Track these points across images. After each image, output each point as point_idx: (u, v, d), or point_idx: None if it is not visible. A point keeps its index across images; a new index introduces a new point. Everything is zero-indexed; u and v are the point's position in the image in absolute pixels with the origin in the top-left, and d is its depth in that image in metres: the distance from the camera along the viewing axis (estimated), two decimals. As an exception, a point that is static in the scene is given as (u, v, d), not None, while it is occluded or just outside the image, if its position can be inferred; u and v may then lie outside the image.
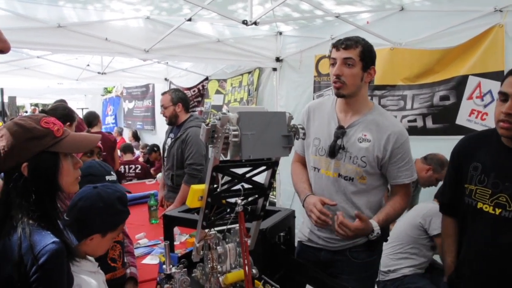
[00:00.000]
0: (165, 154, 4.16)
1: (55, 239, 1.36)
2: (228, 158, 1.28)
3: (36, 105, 22.03)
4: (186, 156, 3.86)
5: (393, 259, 3.20)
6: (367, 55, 2.19)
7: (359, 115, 2.27)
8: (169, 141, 4.12)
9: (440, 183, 3.54)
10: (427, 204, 3.29)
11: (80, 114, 10.34)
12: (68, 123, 3.46)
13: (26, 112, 17.74)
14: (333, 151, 2.24)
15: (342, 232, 2.09)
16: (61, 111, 3.52)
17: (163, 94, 4.15)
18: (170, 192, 4.11)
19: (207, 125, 1.25)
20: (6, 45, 0.99)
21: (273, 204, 5.10)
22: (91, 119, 6.00)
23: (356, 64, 2.17)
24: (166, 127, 4.48)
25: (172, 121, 4.05)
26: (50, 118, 1.51)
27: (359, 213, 2.13)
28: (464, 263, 2.10)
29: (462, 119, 3.54)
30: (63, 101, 7.07)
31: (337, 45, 2.21)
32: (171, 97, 3.98)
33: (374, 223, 2.15)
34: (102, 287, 1.74)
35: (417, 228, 3.15)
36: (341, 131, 2.24)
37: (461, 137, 3.48)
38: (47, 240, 1.34)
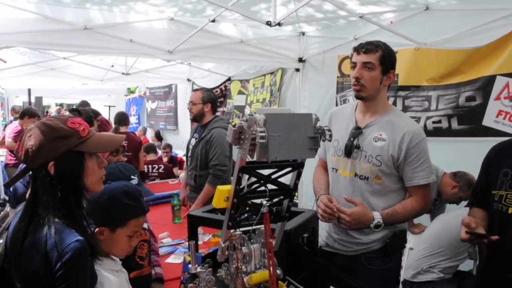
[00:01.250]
0: (189, 154, 4.19)
1: (79, 237, 1.40)
2: (255, 159, 1.29)
3: (61, 105, 22.45)
4: (210, 157, 3.87)
5: (427, 260, 3.14)
6: (387, 59, 2.24)
7: (376, 116, 2.32)
8: (193, 141, 4.14)
9: (463, 203, 3.49)
10: None
11: (107, 111, 10.51)
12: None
13: (53, 112, 18.08)
14: (349, 150, 2.29)
15: (341, 220, 2.17)
16: (86, 114, 3.60)
17: (195, 90, 4.17)
18: (192, 192, 4.13)
19: (234, 126, 1.26)
20: None
21: (295, 205, 5.09)
22: (123, 118, 6.17)
23: (375, 68, 2.22)
24: (189, 127, 4.52)
25: (197, 119, 4.06)
26: (76, 119, 1.56)
27: (349, 197, 2.23)
28: (498, 272, 2.04)
29: (489, 120, 3.47)
30: (86, 102, 7.25)
31: (358, 49, 2.26)
32: (202, 96, 3.99)
33: (376, 213, 2.18)
34: (124, 285, 1.76)
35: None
36: (357, 131, 2.30)
37: (488, 138, 3.43)
38: (71, 238, 1.38)
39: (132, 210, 1.79)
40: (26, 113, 7.14)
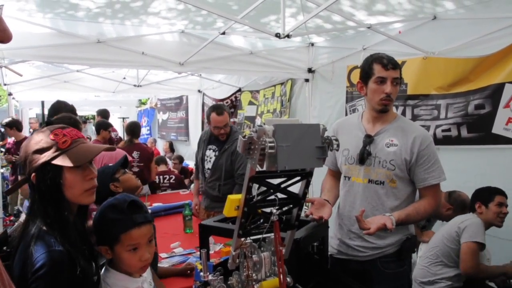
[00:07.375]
0: (209, 166, 4.21)
1: (55, 248, 1.42)
2: (264, 169, 1.33)
3: (74, 117, 22.55)
4: (237, 167, 3.92)
5: (431, 269, 3.13)
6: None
7: (386, 124, 2.42)
8: (209, 152, 4.20)
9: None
10: (466, 215, 3.23)
11: (120, 124, 10.63)
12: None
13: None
14: (363, 158, 2.38)
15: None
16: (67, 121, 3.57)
17: (220, 114, 4.02)
18: (215, 202, 4.16)
19: (244, 137, 1.30)
20: (7, 34, 1.00)
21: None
22: (137, 130, 6.24)
23: (400, 83, 2.37)
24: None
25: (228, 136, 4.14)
26: (65, 130, 1.56)
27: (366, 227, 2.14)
28: None
29: (498, 128, 3.48)
30: (105, 111, 7.31)
31: (385, 65, 2.31)
32: (228, 115, 4.07)
33: (393, 218, 2.19)
34: None
35: (454, 237, 3.10)
36: (369, 140, 2.39)
37: (497, 146, 3.42)
38: (46, 248, 1.41)
39: (120, 224, 1.65)
40: (12, 125, 7.07)
